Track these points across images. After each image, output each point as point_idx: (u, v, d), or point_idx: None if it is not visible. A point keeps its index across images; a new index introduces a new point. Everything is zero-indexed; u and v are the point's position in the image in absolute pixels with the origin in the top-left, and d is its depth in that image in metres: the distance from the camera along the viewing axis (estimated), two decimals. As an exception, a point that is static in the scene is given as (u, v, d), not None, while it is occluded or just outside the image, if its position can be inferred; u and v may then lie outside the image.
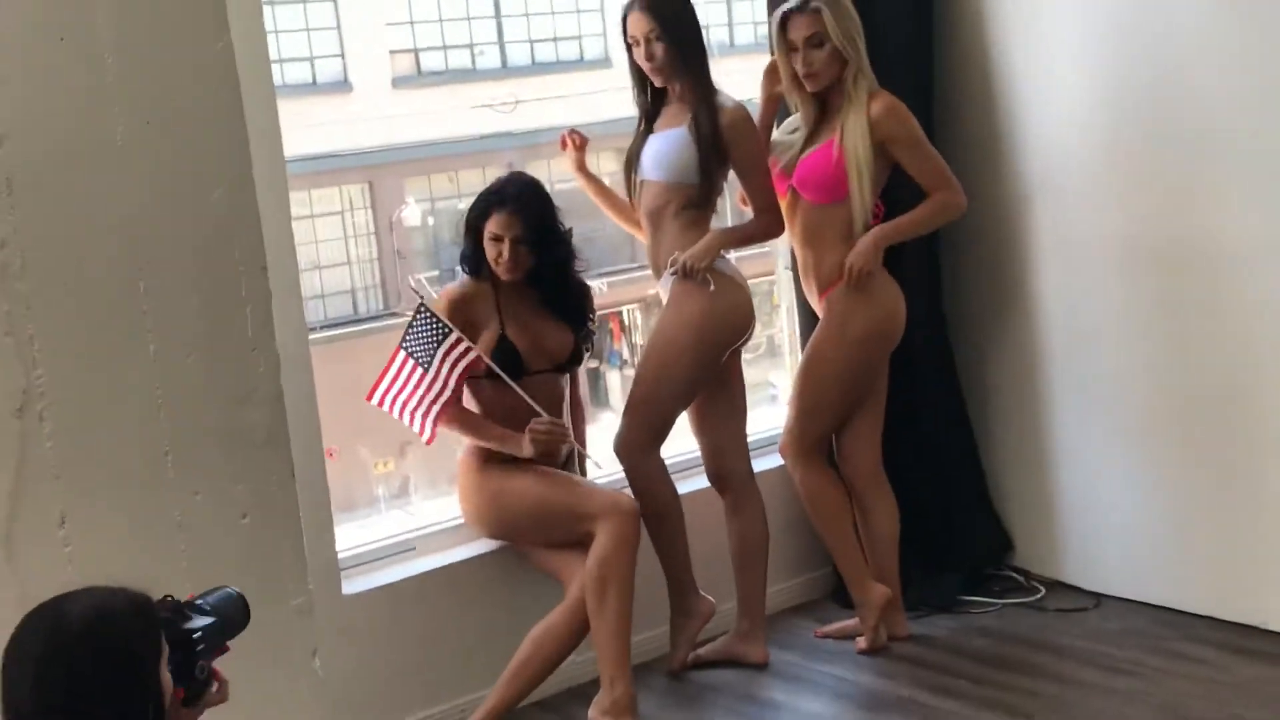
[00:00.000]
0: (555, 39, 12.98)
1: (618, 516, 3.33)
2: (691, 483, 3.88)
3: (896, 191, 3.72)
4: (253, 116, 2.89)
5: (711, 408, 3.71)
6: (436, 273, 13.97)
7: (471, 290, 3.49)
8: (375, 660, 3.37)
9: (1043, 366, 4.03)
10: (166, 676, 1.71)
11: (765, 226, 3.65)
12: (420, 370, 3.39)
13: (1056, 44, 3.85)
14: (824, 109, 3.64)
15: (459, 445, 3.61)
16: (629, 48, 3.62)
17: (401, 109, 12.90)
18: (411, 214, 13.83)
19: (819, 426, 3.72)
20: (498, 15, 13.78)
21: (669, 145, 3.56)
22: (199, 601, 1.88)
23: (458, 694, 3.54)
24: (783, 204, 3.68)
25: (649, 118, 3.67)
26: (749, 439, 3.81)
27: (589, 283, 3.68)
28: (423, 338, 3.39)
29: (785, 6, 3.59)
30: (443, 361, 3.37)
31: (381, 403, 3.48)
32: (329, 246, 13.41)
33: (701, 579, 3.72)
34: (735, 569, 3.75)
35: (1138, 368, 3.82)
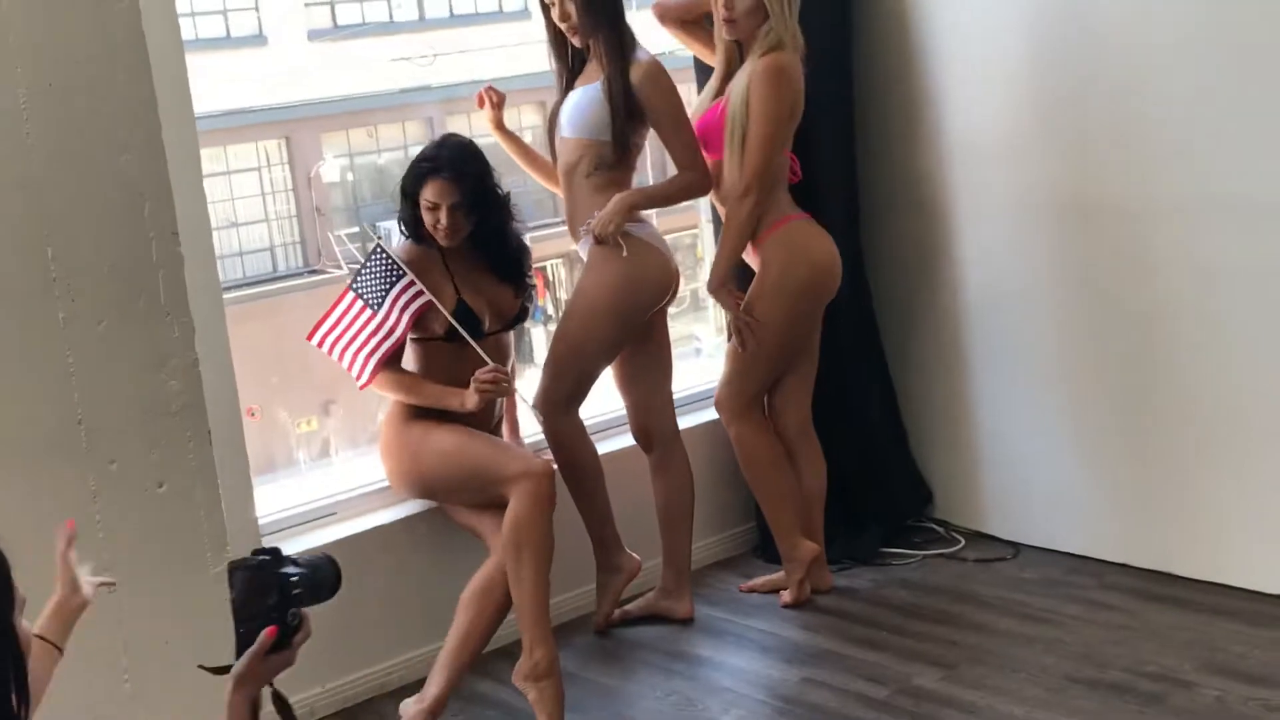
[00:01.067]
0: (475, -9, 12.76)
1: (531, 479, 3.29)
2: (617, 441, 3.88)
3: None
4: (161, 75, 2.83)
5: (636, 366, 3.71)
6: (356, 229, 13.74)
7: (419, 254, 3.43)
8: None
9: (962, 323, 4.08)
10: (24, 625, 1.68)
11: (684, 184, 3.60)
12: (369, 312, 3.35)
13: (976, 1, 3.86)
14: (742, 61, 3.61)
15: (381, 408, 3.57)
16: (545, 8, 3.57)
17: (318, 63, 12.71)
18: (329, 169, 13.64)
19: (755, 380, 3.72)
20: (416, -35, 13.48)
21: (582, 101, 3.53)
22: (294, 557, 1.93)
23: (382, 659, 3.54)
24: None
25: (570, 76, 3.63)
26: (674, 396, 3.82)
27: (527, 244, 3.64)
28: (376, 279, 3.35)
29: None
30: (394, 303, 3.34)
31: (322, 343, 3.43)
32: (246, 203, 13.22)
33: (627, 537, 3.73)
34: (660, 526, 3.77)
35: (1054, 324, 3.87)
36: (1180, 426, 3.68)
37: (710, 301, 4.29)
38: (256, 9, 11.69)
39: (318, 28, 11.85)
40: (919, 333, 4.19)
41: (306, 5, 11.99)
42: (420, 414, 3.46)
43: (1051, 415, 3.91)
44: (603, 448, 3.79)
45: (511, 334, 3.58)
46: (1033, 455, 3.98)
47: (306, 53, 11.84)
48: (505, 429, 3.63)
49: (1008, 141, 3.86)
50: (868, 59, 4.08)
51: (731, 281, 3.61)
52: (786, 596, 3.83)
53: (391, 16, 12.60)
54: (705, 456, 3.96)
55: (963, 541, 4.11)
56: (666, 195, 3.63)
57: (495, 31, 11.64)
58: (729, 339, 3.70)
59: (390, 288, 3.32)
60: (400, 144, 13.30)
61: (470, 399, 3.33)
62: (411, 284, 3.32)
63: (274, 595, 1.85)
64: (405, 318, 3.32)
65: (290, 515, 3.48)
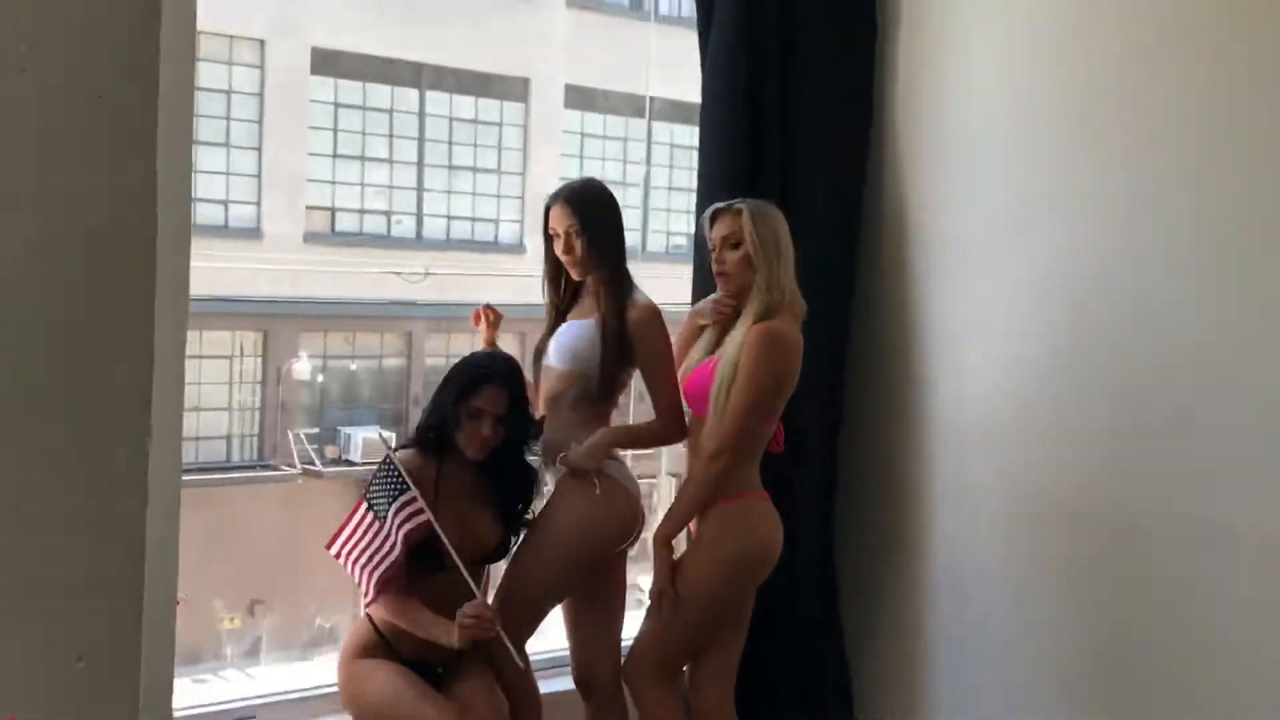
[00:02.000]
0: (473, 219, 13.10)
1: None
2: (559, 682, 3.76)
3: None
4: (167, 249, 2.84)
5: (587, 610, 3.63)
6: (317, 430, 13.65)
7: (416, 466, 3.38)
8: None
9: (925, 613, 4.03)
10: None
11: (660, 430, 3.60)
12: (377, 523, 3.28)
13: (987, 289, 3.95)
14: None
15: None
16: (548, 239, 3.62)
17: (309, 264, 12.83)
18: (302, 368, 13.59)
19: (674, 649, 3.57)
20: (419, 188, 13.89)
21: (574, 333, 3.56)
22: None
23: None
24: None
25: (561, 310, 3.66)
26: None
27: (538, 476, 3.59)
28: (384, 489, 3.29)
29: (715, 205, 3.63)
30: (394, 516, 3.27)
31: (339, 555, 3.34)
32: (212, 389, 13.12)
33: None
34: None
35: (1020, 624, 3.83)
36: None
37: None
38: (259, 204, 11.93)
39: (315, 231, 12.09)
40: (883, 611, 4.14)
41: (308, 209, 12.26)
42: (370, 645, 3.37)
43: (1011, 713, 3.83)
44: (546, 686, 3.67)
45: (487, 568, 3.51)
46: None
47: (300, 253, 12.03)
48: None
49: (994, 429, 3.90)
50: (864, 335, 4.14)
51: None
52: None
53: (390, 231, 12.87)
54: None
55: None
56: (642, 438, 3.67)
57: (488, 260, 11.86)
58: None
59: (394, 499, 3.27)
60: (376, 352, 13.40)
61: (453, 637, 3.26)
62: (414, 500, 3.26)
63: None
64: (401, 535, 3.26)
65: (209, 714, 3.33)
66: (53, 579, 2.46)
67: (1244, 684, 3.44)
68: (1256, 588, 3.42)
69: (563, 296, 3.65)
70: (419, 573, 3.33)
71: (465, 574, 3.27)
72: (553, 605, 3.58)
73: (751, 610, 3.63)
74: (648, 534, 3.73)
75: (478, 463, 3.39)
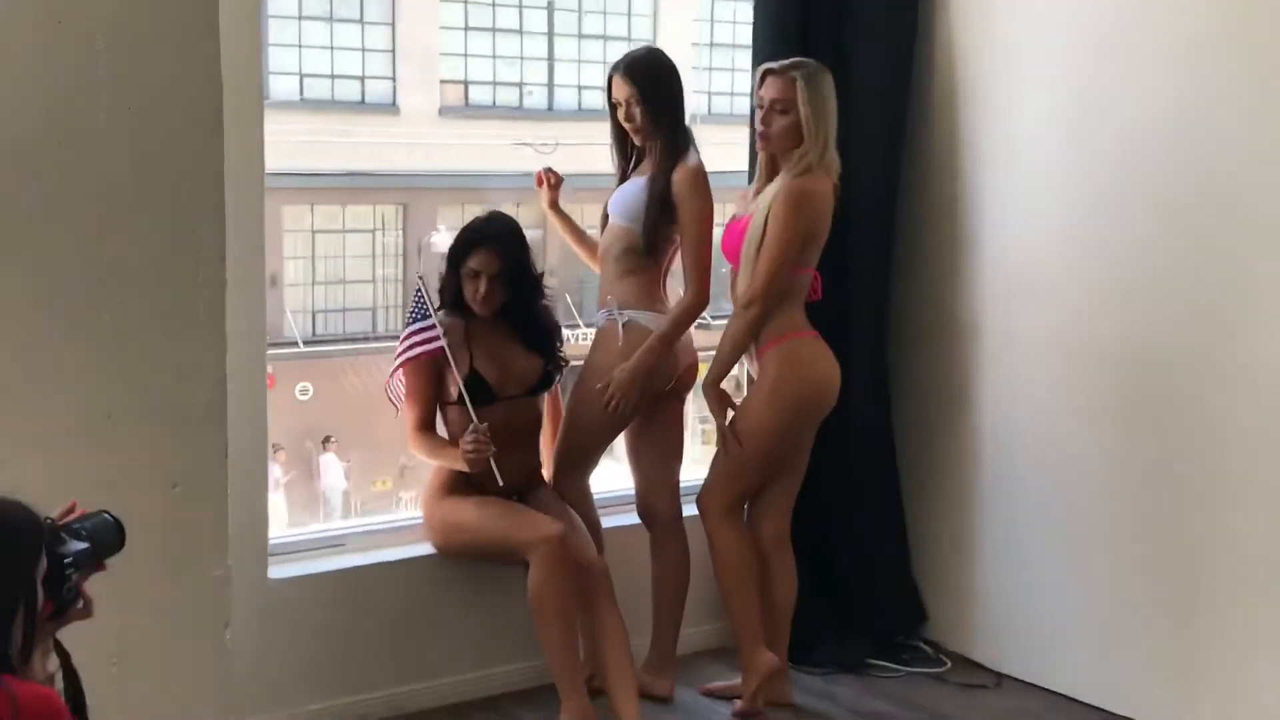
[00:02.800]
0: (605, 88, 13.17)
1: (542, 545, 3.46)
2: (624, 517, 4.02)
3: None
4: (236, 123, 3.11)
5: (645, 446, 3.85)
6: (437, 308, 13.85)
7: (448, 322, 3.63)
8: (293, 645, 3.52)
9: (979, 455, 4.16)
10: (39, 586, 1.88)
11: (686, 310, 3.70)
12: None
13: (1030, 140, 4.00)
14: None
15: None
16: (612, 108, 3.78)
17: (444, 138, 13.11)
18: (441, 240, 14.00)
19: (738, 486, 3.75)
20: (550, 59, 14.00)
21: (629, 190, 3.73)
22: (76, 525, 2.03)
23: (366, 690, 3.65)
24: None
25: (626, 168, 3.82)
26: (683, 481, 3.95)
27: (558, 321, 3.81)
28: (413, 315, 3.58)
29: (767, 65, 3.73)
30: (404, 340, 3.56)
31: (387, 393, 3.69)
32: (357, 263, 13.56)
33: (628, 612, 3.83)
34: (653, 604, 3.88)
35: (1068, 469, 3.93)
36: (1179, 582, 3.73)
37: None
38: (394, 79, 12.20)
39: (450, 105, 12.34)
40: (935, 458, 4.29)
41: (442, 83, 12.49)
42: (448, 488, 3.67)
43: (1052, 554, 3.97)
44: (610, 522, 3.94)
45: (546, 396, 3.75)
46: (1029, 590, 4.04)
47: (435, 127, 12.30)
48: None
49: (1047, 281, 3.96)
50: (914, 185, 4.22)
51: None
52: (738, 705, 3.82)
53: (521, 103, 13.05)
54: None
55: (949, 664, 4.17)
56: (681, 321, 3.70)
57: (616, 128, 11.96)
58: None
59: (414, 320, 3.57)
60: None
61: (460, 463, 3.54)
62: (431, 327, 3.53)
63: (50, 572, 1.90)
64: (414, 351, 3.55)
65: (301, 540, 3.68)
66: (148, 417, 2.79)
67: (1271, 521, 3.53)
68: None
69: (629, 160, 3.83)
70: (453, 409, 3.59)
71: (468, 405, 3.50)
72: (606, 444, 3.83)
73: (810, 449, 3.82)
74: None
75: (501, 315, 3.60)
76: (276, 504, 10.28)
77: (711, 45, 12.87)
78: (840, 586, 4.17)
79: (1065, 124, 3.91)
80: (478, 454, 3.49)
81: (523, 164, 12.04)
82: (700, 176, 3.65)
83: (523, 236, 3.64)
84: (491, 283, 3.56)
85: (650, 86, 3.68)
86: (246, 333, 3.26)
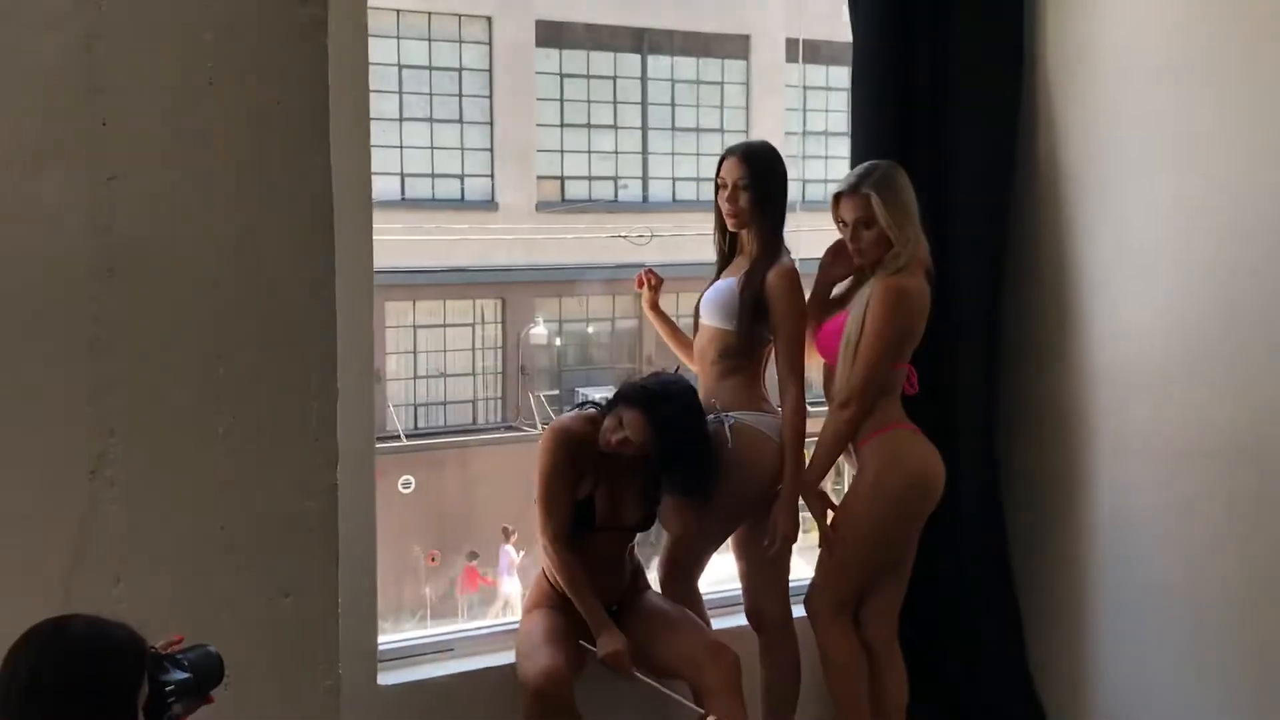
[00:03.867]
0: (697, 179, 13.32)
1: (532, 683, 3.37)
2: (731, 619, 3.97)
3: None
4: (348, 228, 3.17)
5: (753, 546, 3.81)
6: (556, 392, 14.14)
7: (581, 435, 3.57)
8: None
9: (1094, 555, 4.05)
10: (140, 713, 1.88)
11: (795, 408, 3.62)
12: None
13: (1140, 232, 3.93)
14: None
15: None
16: (716, 190, 3.79)
17: (541, 232, 13.30)
18: (540, 332, 14.12)
19: (844, 586, 3.70)
20: (644, 152, 14.18)
21: (720, 291, 3.71)
22: (180, 656, 2.05)
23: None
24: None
25: (723, 263, 3.83)
26: (792, 583, 3.89)
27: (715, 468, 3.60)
28: None
29: (836, 188, 3.72)
30: None
31: None
32: (457, 356, 13.76)
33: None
34: (762, 709, 3.82)
35: (1184, 569, 3.82)
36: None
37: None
38: (492, 176, 12.42)
39: (546, 200, 12.53)
40: (1049, 557, 4.19)
41: (539, 178, 12.70)
42: (542, 598, 3.62)
43: (1177, 656, 3.84)
44: (720, 623, 3.89)
45: (634, 536, 3.70)
46: (1154, 692, 3.91)
47: (533, 221, 12.49)
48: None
49: (1157, 374, 3.89)
50: (1020, 276, 4.18)
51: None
52: None
53: (616, 196, 13.21)
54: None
55: (1070, 769, 4.06)
56: (799, 445, 3.63)
57: (711, 219, 12.06)
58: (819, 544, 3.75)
59: None
60: (609, 315, 13.79)
61: (601, 647, 3.46)
62: None
63: (153, 699, 1.91)
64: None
65: (409, 645, 3.68)
66: (262, 526, 2.81)
67: None
68: None
69: (728, 252, 3.83)
70: (577, 533, 3.56)
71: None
72: (715, 546, 3.78)
73: (916, 548, 3.76)
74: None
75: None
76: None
77: (804, 134, 12.94)
78: (954, 690, 4.07)
79: (1176, 214, 3.85)
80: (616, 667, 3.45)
81: (617, 256, 12.16)
82: (794, 278, 3.64)
83: (691, 411, 3.54)
84: (626, 442, 3.47)
85: (761, 172, 3.67)
86: (356, 436, 3.28)
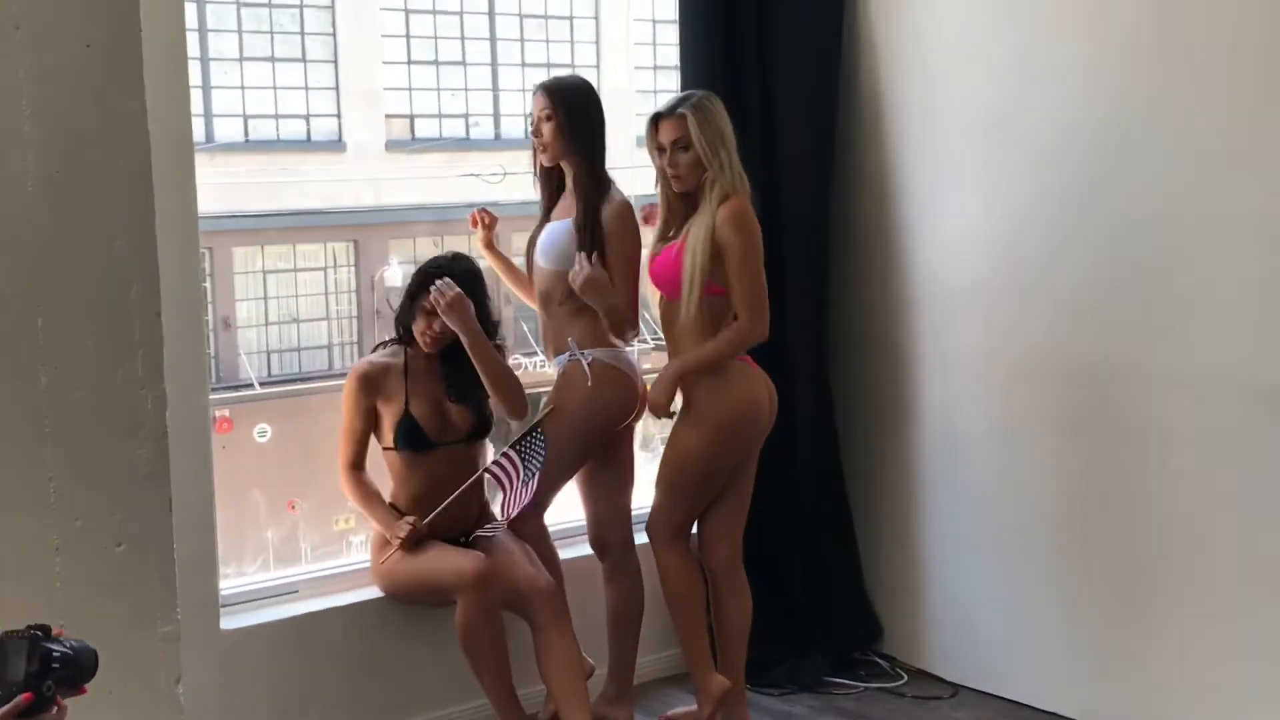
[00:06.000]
0: (549, 115, 13.16)
1: (464, 585, 3.48)
2: (577, 548, 4.04)
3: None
4: (168, 172, 3.13)
5: (597, 477, 3.88)
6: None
7: (380, 367, 3.66)
8: (248, 696, 3.52)
9: (923, 467, 4.23)
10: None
11: (617, 326, 3.76)
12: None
13: (960, 152, 4.07)
14: (693, 208, 3.79)
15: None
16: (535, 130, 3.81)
17: (392, 172, 13.15)
18: (394, 274, 14.01)
19: (680, 511, 3.81)
20: (494, 89, 14.09)
21: (556, 234, 3.74)
22: (64, 638, 2.05)
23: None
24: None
25: (549, 204, 3.85)
26: (635, 511, 3.97)
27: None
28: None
29: (655, 109, 3.78)
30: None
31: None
32: (309, 301, 13.59)
33: (586, 642, 3.87)
34: (608, 634, 3.90)
35: (1009, 477, 4.01)
36: (1125, 585, 3.78)
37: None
38: (339, 116, 12.18)
39: (396, 139, 12.33)
40: (880, 472, 4.34)
41: (387, 117, 12.48)
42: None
43: (1001, 563, 4.03)
44: (565, 553, 3.96)
45: (482, 444, 3.76)
46: (980, 600, 4.09)
47: (382, 162, 12.29)
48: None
49: (977, 293, 4.03)
50: (842, 203, 4.29)
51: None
52: None
53: (468, 134, 13.06)
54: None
55: (905, 678, 4.22)
56: (618, 337, 3.78)
57: (563, 155, 11.99)
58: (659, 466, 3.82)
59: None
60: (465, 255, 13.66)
61: (393, 539, 3.58)
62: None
63: (35, 664, 1.93)
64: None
65: (253, 589, 3.68)
66: (92, 476, 2.79)
67: (1210, 518, 3.60)
68: (1222, 428, 3.56)
69: (553, 192, 3.84)
70: (391, 455, 3.62)
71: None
72: (566, 479, 3.86)
73: (754, 471, 3.86)
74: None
75: (441, 355, 3.63)
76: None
77: (655, 69, 12.91)
78: (794, 606, 4.21)
79: (994, 135, 3.98)
80: (403, 545, 3.53)
81: (472, 195, 12.05)
82: (629, 212, 3.69)
83: (482, 281, 3.66)
84: (444, 324, 3.58)
85: (565, 103, 3.69)
86: (187, 383, 3.26)
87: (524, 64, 13.12)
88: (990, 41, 3.98)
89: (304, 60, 12.06)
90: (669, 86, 13.65)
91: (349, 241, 12.52)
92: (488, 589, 3.48)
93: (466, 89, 12.86)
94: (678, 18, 4.12)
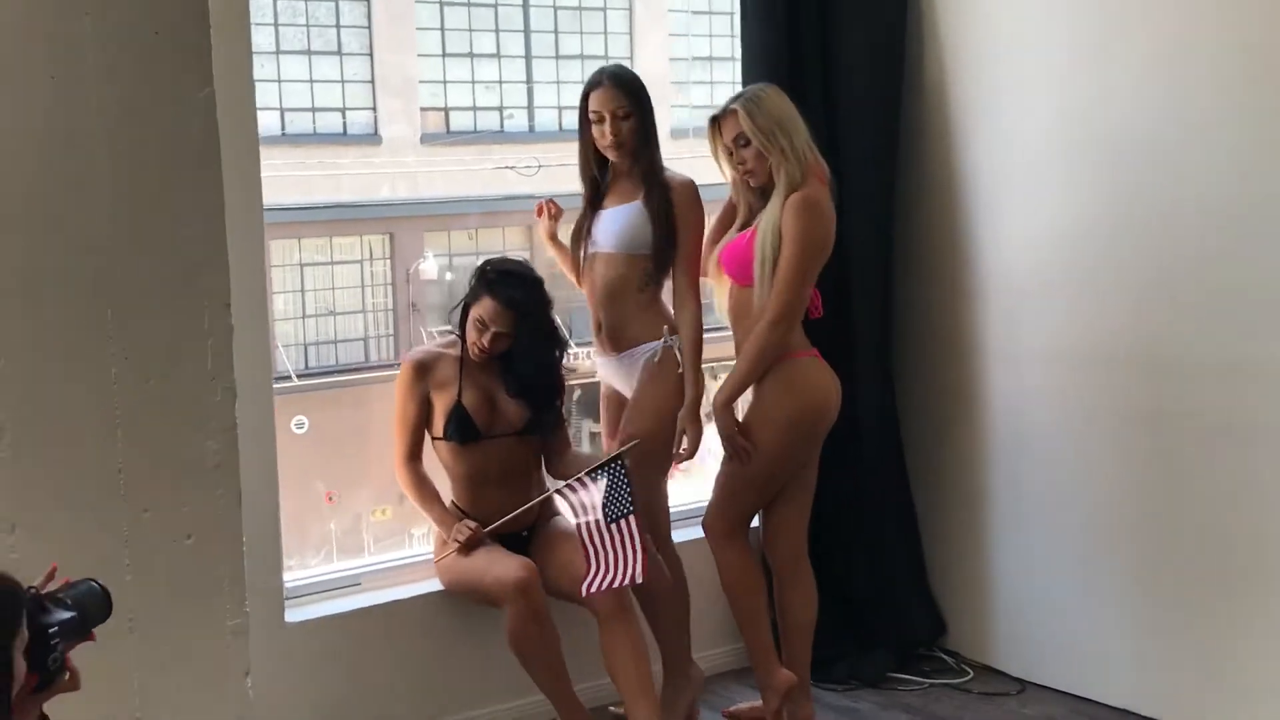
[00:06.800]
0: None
1: (511, 595, 3.42)
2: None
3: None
4: (236, 165, 3.11)
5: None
6: (449, 327, 14.03)
7: (435, 355, 3.61)
8: (314, 688, 3.49)
9: (988, 461, 4.16)
10: (21, 662, 1.80)
11: (692, 321, 3.63)
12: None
13: (1025, 146, 3.99)
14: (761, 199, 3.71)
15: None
16: (589, 123, 3.73)
17: (427, 165, 13.16)
18: (429, 267, 14.01)
19: (741, 506, 3.74)
20: (529, 81, 14.06)
21: (625, 218, 3.66)
22: (62, 595, 1.97)
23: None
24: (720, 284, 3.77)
25: (595, 194, 3.76)
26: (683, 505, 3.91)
27: (565, 376, 3.69)
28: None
29: (713, 112, 3.72)
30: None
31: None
32: (346, 293, 13.60)
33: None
34: (654, 631, 3.80)
35: (1078, 470, 3.93)
36: (1196, 580, 3.71)
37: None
38: (374, 109, 12.18)
39: (431, 132, 12.32)
40: (944, 466, 4.28)
41: (422, 110, 12.48)
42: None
43: (1068, 558, 3.96)
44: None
45: (534, 440, 3.65)
46: (1047, 595, 4.03)
47: (418, 155, 12.29)
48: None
49: (1043, 285, 3.97)
50: (907, 195, 4.22)
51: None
52: None
53: (502, 126, 13.04)
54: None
55: (971, 674, 4.15)
56: (700, 356, 3.64)
57: (599, 147, 11.96)
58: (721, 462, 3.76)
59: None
60: (499, 248, 13.66)
61: (449, 541, 3.54)
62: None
63: (34, 644, 1.84)
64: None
65: (316, 581, 3.65)
66: (161, 468, 2.76)
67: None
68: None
69: (599, 183, 3.74)
70: (442, 445, 3.56)
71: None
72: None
73: (817, 466, 3.80)
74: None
75: (500, 357, 3.55)
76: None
77: (690, 60, 12.89)
78: (859, 601, 4.16)
79: (1060, 128, 3.92)
80: (461, 549, 3.51)
81: (506, 187, 12.02)
82: (697, 191, 3.65)
83: (542, 292, 3.60)
84: (496, 338, 3.53)
85: (638, 97, 3.64)
86: (253, 374, 3.24)
87: (558, 56, 13.12)
88: (1054, 33, 3.91)
89: (340, 53, 12.08)
90: (703, 77, 13.56)
91: (385, 234, 12.53)
92: (532, 596, 3.41)
93: (501, 81, 12.86)
94: (740, 12, 4.06)
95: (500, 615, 3.47)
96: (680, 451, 3.65)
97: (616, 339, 3.71)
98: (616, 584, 3.35)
